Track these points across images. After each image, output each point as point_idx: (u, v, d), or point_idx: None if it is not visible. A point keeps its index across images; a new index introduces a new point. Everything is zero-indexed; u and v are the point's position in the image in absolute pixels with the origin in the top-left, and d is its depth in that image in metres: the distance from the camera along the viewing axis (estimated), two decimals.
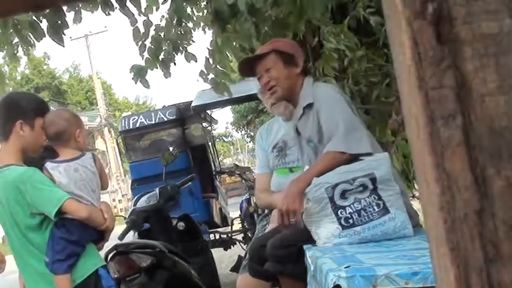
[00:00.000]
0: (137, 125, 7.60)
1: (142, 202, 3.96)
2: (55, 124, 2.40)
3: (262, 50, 2.45)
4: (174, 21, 3.58)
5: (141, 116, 7.84)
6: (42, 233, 2.32)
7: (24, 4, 0.65)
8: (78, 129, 2.45)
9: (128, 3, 3.35)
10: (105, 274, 2.44)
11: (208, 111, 8.32)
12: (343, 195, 2.02)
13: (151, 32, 3.61)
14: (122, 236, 3.72)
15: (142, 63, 3.61)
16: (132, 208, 4.03)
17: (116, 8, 3.31)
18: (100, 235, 2.47)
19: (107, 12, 3.32)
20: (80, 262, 2.36)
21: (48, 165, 2.40)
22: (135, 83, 3.64)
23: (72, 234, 2.32)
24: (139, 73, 3.51)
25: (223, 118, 40.95)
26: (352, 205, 2.03)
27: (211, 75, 3.76)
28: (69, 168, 2.38)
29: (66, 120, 2.42)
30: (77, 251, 2.34)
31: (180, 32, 3.64)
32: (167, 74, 3.72)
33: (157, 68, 3.60)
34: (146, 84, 3.66)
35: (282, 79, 2.39)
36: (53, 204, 2.26)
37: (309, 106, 2.30)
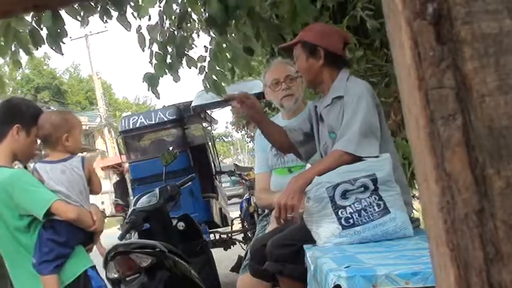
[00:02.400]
0: (137, 125, 7.60)
1: (142, 202, 3.96)
2: (42, 128, 2.42)
3: (295, 39, 2.43)
4: (176, 25, 3.58)
5: (141, 116, 7.84)
6: (30, 234, 2.32)
7: (23, 5, 0.65)
8: (66, 133, 2.43)
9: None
10: (94, 275, 2.42)
11: (208, 111, 8.32)
12: (344, 195, 2.02)
13: (156, 37, 3.60)
14: (122, 236, 3.72)
15: (149, 68, 3.60)
16: (132, 208, 4.03)
17: (113, 16, 3.31)
18: (89, 237, 2.47)
19: (104, 20, 3.33)
20: (68, 264, 2.35)
21: (38, 165, 2.41)
22: (148, 90, 3.67)
23: (60, 236, 2.31)
24: (151, 81, 3.50)
25: (223, 118, 40.93)
26: (352, 205, 2.02)
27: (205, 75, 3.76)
28: (55, 169, 2.38)
29: (52, 125, 2.42)
30: (65, 252, 2.34)
31: (182, 34, 3.63)
32: (176, 78, 3.71)
33: (166, 73, 3.59)
34: (157, 95, 3.67)
35: (304, 71, 2.41)
36: (41, 206, 2.26)
37: (338, 98, 2.28)
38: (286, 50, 2.55)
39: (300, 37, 2.39)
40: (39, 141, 2.49)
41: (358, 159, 2.09)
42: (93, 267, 2.46)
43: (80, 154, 2.57)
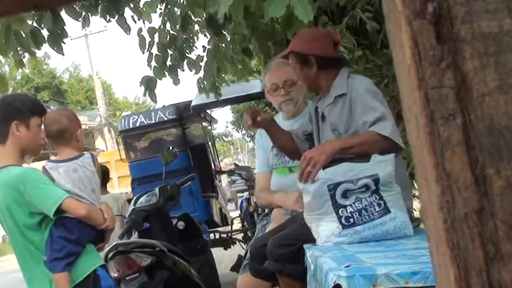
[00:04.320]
0: (137, 125, 7.59)
1: (142, 201, 3.96)
2: (58, 122, 2.40)
3: (286, 50, 2.44)
4: (177, 27, 3.58)
5: (141, 116, 7.82)
6: (41, 232, 2.32)
7: (23, 4, 0.65)
8: (79, 129, 2.47)
9: (127, 10, 3.37)
10: (104, 274, 2.43)
11: (208, 111, 8.31)
12: (345, 194, 2.02)
13: (156, 39, 3.60)
14: (122, 236, 3.73)
15: (148, 71, 3.59)
16: (132, 207, 4.03)
17: (115, 15, 3.31)
18: (100, 236, 2.47)
19: (107, 19, 3.34)
20: (78, 262, 2.36)
21: (47, 165, 2.41)
22: (144, 95, 3.68)
23: (71, 234, 2.32)
24: (149, 85, 3.50)
25: (223, 118, 40.86)
26: (353, 204, 2.02)
27: (201, 75, 3.77)
28: (67, 168, 2.38)
29: (68, 119, 2.44)
30: (75, 250, 2.34)
31: (184, 37, 3.64)
32: (176, 81, 3.71)
33: (165, 76, 3.59)
34: (154, 99, 3.65)
35: (301, 80, 2.46)
36: (52, 203, 2.27)
37: (340, 96, 2.30)
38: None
39: (291, 47, 2.39)
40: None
41: (391, 146, 2.09)
42: (103, 266, 2.46)
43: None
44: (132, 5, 3.38)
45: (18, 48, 3.16)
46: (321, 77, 2.36)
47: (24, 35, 3.09)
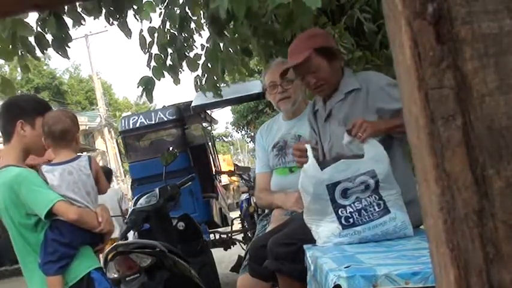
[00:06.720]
0: (137, 125, 7.61)
1: (142, 202, 3.97)
2: (62, 122, 2.39)
3: (301, 53, 2.30)
4: (177, 27, 3.58)
5: (141, 116, 7.84)
6: (37, 233, 2.32)
7: (24, 4, 0.65)
8: (78, 131, 2.47)
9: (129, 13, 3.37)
10: (99, 277, 2.40)
11: (208, 111, 8.32)
12: (345, 194, 2.02)
13: (157, 39, 3.60)
14: (122, 236, 3.73)
15: (148, 72, 3.59)
16: (132, 208, 4.04)
17: (118, 18, 3.32)
18: (99, 238, 2.46)
19: (110, 22, 3.35)
20: (72, 265, 2.34)
21: (44, 167, 2.40)
22: (141, 96, 3.66)
23: (64, 237, 2.31)
24: (147, 86, 3.49)
25: (223, 118, 40.89)
26: (352, 204, 2.02)
27: (198, 73, 3.77)
28: (63, 171, 2.37)
29: (71, 119, 2.44)
30: (69, 253, 2.33)
31: (184, 36, 3.64)
32: (176, 81, 3.70)
33: (163, 76, 3.58)
34: (151, 99, 3.65)
35: (330, 77, 2.34)
36: (43, 206, 2.27)
37: (350, 92, 2.32)
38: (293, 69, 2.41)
39: (311, 45, 2.29)
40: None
41: None
42: (99, 269, 2.44)
43: (78, 154, 2.56)
44: (135, 7, 3.37)
45: (23, 53, 3.16)
46: (341, 71, 2.38)
47: (29, 41, 3.10)
